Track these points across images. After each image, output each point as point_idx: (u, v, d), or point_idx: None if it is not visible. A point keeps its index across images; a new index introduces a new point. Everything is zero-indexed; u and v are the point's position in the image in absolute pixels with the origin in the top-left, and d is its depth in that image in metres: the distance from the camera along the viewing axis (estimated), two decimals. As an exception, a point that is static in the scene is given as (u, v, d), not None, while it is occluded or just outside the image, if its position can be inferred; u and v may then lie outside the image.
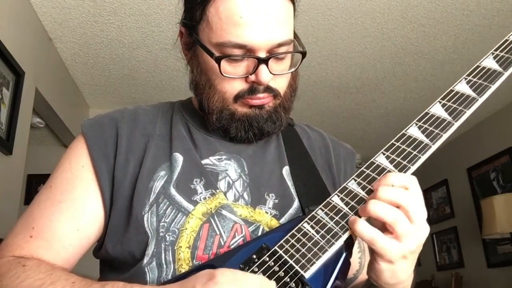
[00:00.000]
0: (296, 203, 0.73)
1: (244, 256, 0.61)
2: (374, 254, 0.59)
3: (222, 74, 0.68)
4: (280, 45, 0.69)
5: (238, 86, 0.70)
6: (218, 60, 0.68)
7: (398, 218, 0.56)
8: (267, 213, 0.71)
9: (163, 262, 0.66)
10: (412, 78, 3.10)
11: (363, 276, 0.78)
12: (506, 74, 0.68)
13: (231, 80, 0.70)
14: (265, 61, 0.67)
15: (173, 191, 0.69)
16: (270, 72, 0.68)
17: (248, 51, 0.67)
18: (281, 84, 0.73)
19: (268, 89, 0.71)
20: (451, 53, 2.76)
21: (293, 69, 0.74)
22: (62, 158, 0.76)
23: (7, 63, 1.95)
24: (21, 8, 2.10)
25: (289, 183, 0.76)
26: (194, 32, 0.72)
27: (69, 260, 0.70)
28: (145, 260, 0.66)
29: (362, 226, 0.57)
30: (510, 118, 3.61)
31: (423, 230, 0.58)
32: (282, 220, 0.71)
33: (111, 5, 2.23)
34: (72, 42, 2.54)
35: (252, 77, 0.69)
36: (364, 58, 2.84)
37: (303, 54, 0.72)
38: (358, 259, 0.78)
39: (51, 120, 2.81)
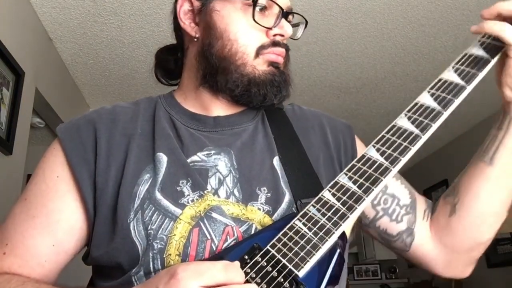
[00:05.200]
0: (287, 197, 0.70)
1: (236, 257, 0.58)
2: (508, 51, 0.65)
3: (254, 19, 0.71)
4: (290, 9, 0.77)
5: (262, 38, 0.73)
6: (255, 2, 0.71)
7: None
8: (259, 209, 0.68)
9: (151, 270, 0.63)
10: (412, 78, 3.09)
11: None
12: (493, 61, 0.67)
13: (256, 31, 0.72)
14: (285, 15, 0.74)
15: (158, 195, 0.66)
16: None
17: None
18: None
19: (285, 45, 0.76)
20: (451, 53, 2.76)
21: (298, 35, 0.80)
22: (37, 168, 0.72)
23: (7, 63, 1.95)
24: (21, 8, 2.10)
25: (280, 174, 0.72)
26: None
27: (46, 275, 0.68)
28: (133, 270, 0.63)
29: (489, 22, 0.66)
30: (510, 118, 3.60)
31: None
32: (275, 217, 0.68)
33: (111, 5, 2.23)
34: (72, 42, 2.53)
35: (276, 30, 0.73)
36: (364, 58, 2.84)
37: (307, 23, 0.80)
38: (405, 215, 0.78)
39: (51, 120, 2.81)
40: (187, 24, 0.77)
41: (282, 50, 0.74)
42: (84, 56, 2.68)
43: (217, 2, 0.73)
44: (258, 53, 0.72)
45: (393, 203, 0.77)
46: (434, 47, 2.72)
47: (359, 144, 0.82)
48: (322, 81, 3.13)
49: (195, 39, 0.77)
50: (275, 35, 0.73)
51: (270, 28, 0.72)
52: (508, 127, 0.69)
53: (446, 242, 0.75)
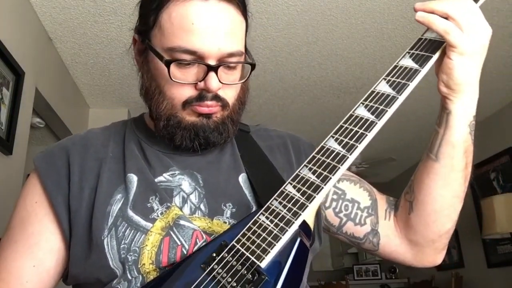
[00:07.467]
0: (254, 210, 0.72)
1: (205, 256, 0.62)
2: (447, 51, 0.65)
3: (171, 78, 0.68)
4: (230, 55, 0.70)
5: (187, 92, 0.70)
6: (167, 64, 0.68)
7: (459, 11, 0.63)
8: (225, 223, 0.71)
9: (130, 277, 0.67)
10: (412, 78, 3.10)
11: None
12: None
13: (180, 86, 0.70)
14: (214, 68, 0.68)
15: (130, 212, 0.70)
16: (220, 81, 0.69)
17: (198, 58, 0.68)
18: (230, 95, 0.73)
19: (217, 97, 0.71)
20: (451, 53, 2.76)
21: (242, 80, 0.75)
22: (19, 197, 0.77)
23: (7, 63, 1.95)
24: (21, 8, 2.10)
25: (246, 191, 0.75)
26: (146, 38, 0.72)
27: None
28: (114, 281, 0.67)
29: (436, 20, 0.64)
30: (510, 118, 3.61)
31: (484, 31, 0.64)
32: None
33: (111, 5, 2.23)
34: (72, 42, 2.54)
35: (201, 84, 0.69)
36: (364, 58, 2.84)
37: (253, 67, 0.74)
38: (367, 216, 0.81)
39: (51, 120, 2.81)
40: (138, 59, 0.78)
41: (209, 103, 0.70)
42: (84, 56, 2.68)
43: (149, 53, 0.72)
44: (184, 106, 0.71)
45: (353, 207, 0.81)
46: (434, 47, 2.72)
47: None
48: (322, 81, 3.13)
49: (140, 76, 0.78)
50: (202, 89, 0.70)
51: (195, 83, 0.70)
52: (447, 122, 0.71)
53: (410, 237, 0.79)
